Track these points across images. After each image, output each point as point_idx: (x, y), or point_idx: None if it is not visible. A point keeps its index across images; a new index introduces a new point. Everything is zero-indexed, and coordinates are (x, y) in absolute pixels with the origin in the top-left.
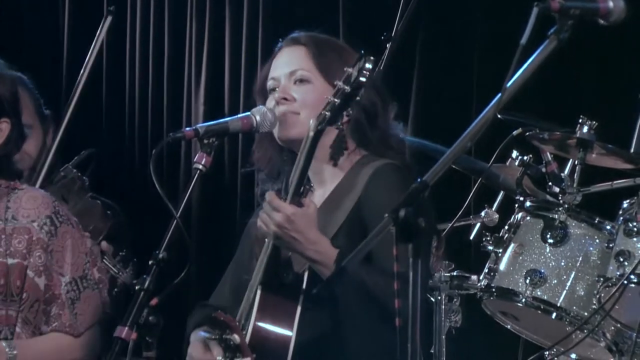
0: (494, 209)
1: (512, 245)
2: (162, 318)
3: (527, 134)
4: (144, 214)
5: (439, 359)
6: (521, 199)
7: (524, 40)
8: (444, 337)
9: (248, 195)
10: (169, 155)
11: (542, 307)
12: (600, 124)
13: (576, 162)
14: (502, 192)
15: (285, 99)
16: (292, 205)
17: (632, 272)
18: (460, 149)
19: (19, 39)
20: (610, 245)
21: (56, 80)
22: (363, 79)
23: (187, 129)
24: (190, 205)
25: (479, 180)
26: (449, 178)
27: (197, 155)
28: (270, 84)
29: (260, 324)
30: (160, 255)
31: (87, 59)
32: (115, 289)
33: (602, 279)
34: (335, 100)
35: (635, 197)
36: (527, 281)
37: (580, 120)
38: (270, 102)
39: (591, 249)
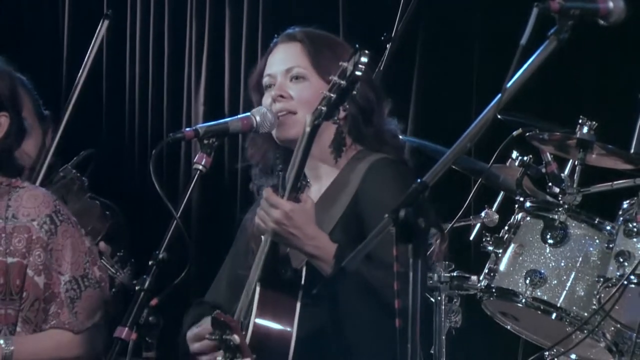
0: (494, 209)
1: (512, 245)
2: (162, 318)
3: (527, 134)
4: (144, 214)
5: (439, 359)
6: (521, 199)
7: (524, 40)
8: (444, 337)
9: (248, 196)
10: (169, 156)
11: (542, 308)
12: (600, 124)
13: (576, 163)
14: (502, 193)
15: (281, 96)
16: (290, 202)
17: (632, 273)
18: (460, 149)
19: (19, 39)
20: (610, 245)
21: (56, 80)
22: (359, 73)
23: (187, 129)
24: (190, 206)
25: (479, 181)
26: (449, 178)
27: (197, 155)
28: (266, 80)
29: (261, 321)
30: (160, 256)
31: (84, 62)
32: (113, 289)
33: (602, 279)
34: (331, 95)
35: (635, 198)
36: (527, 281)
37: (580, 121)
38: (267, 100)
39: (591, 249)
